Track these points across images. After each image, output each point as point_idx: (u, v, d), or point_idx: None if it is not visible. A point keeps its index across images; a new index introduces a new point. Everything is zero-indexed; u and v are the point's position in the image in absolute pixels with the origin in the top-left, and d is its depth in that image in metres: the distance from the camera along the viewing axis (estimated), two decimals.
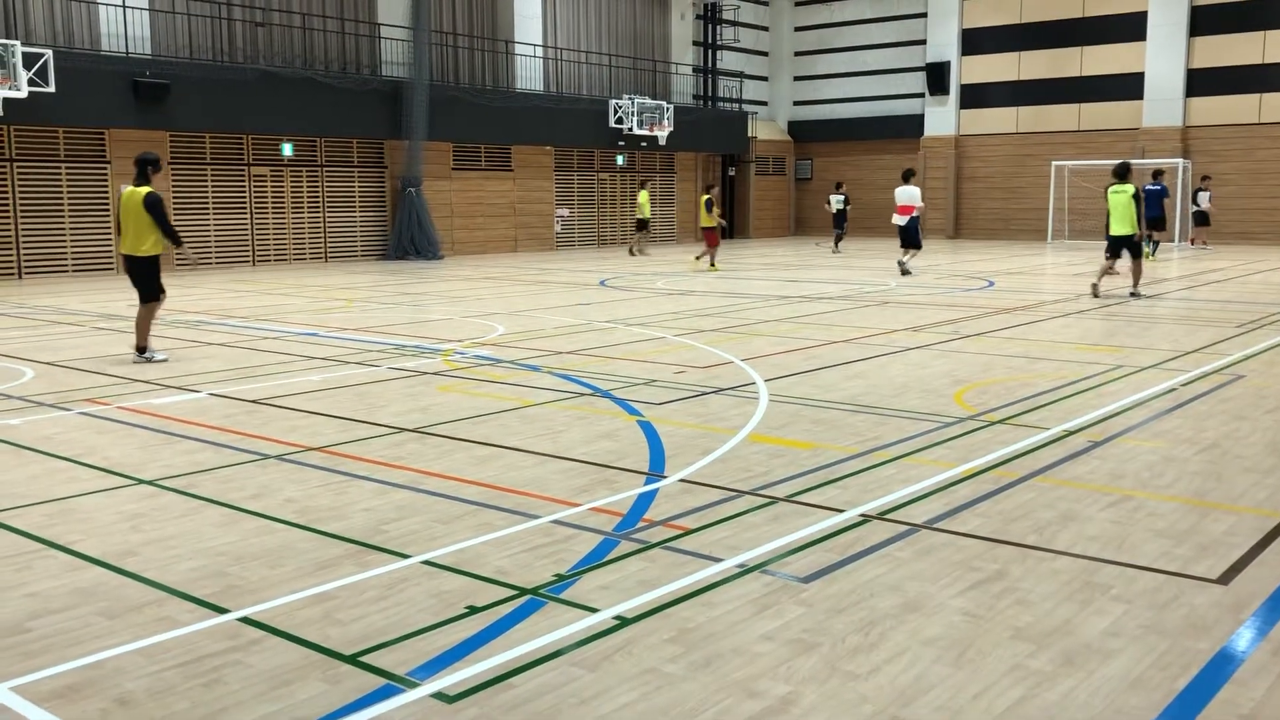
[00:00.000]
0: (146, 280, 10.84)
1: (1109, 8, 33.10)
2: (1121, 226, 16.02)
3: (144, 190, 10.66)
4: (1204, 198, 29.21)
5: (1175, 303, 15.65)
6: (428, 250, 27.11)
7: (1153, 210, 22.58)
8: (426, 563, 4.87)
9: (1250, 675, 3.72)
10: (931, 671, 3.76)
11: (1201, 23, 31.80)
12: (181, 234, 10.90)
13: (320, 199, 26.36)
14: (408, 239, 27.08)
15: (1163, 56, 32.24)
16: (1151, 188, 23.80)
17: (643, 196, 29.10)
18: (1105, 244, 16.65)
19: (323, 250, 26.50)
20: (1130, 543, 5.08)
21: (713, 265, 23.56)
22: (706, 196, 24.23)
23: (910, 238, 21.30)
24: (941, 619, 4.21)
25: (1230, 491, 5.96)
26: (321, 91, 24.98)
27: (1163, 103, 32.37)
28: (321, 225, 26.44)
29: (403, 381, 9.60)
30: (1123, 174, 16.20)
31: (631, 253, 28.94)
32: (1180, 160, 31.29)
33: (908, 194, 21.30)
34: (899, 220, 21.35)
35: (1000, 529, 5.28)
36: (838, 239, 30.16)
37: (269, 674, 3.76)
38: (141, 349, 10.79)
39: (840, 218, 30.00)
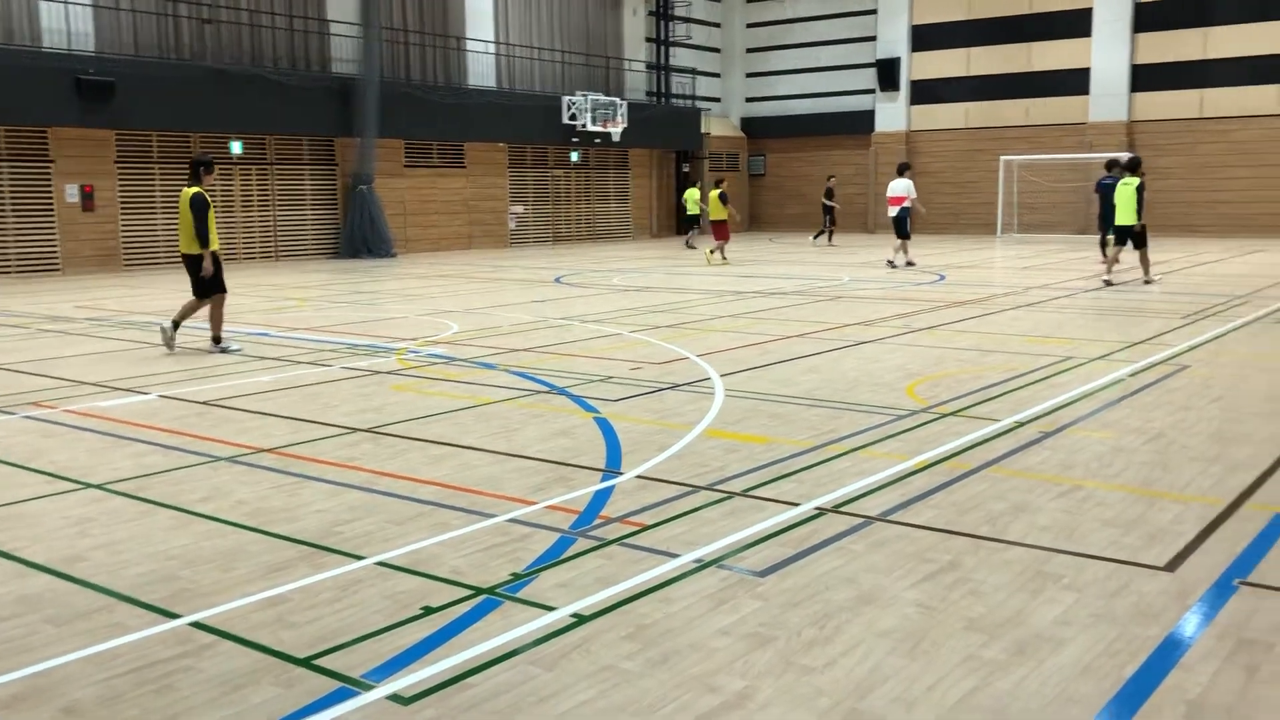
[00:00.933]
0: (207, 277, 11.19)
1: (1056, 3, 33.49)
2: (1126, 217, 16.97)
3: (192, 190, 11.05)
4: None
5: (1123, 294, 15.90)
6: (380, 248, 26.90)
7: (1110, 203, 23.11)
8: (381, 564, 4.83)
9: (1196, 660, 3.79)
10: (886, 663, 3.79)
11: (1145, 18, 32.30)
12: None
13: (270, 197, 26.06)
14: (360, 237, 26.85)
15: (1108, 52, 32.71)
16: (1107, 180, 24.11)
17: (691, 193, 29.73)
18: (1111, 236, 17.91)
19: (274, 249, 26.21)
20: (1080, 532, 5.16)
21: (724, 259, 23.67)
22: (719, 190, 24.40)
23: (899, 228, 21.94)
24: (896, 611, 4.24)
25: (1176, 480, 6.06)
26: (270, 89, 24.69)
27: (1108, 98, 32.84)
28: (272, 224, 26.15)
29: (356, 381, 9.52)
30: (1134, 167, 17.34)
31: (689, 245, 29.24)
32: (1126, 155, 31.71)
33: (900, 186, 22.10)
34: (891, 211, 22.13)
35: (953, 520, 5.34)
36: (818, 233, 30.66)
37: (221, 679, 3.72)
38: (217, 339, 11.26)
39: (825, 211, 30.45)
